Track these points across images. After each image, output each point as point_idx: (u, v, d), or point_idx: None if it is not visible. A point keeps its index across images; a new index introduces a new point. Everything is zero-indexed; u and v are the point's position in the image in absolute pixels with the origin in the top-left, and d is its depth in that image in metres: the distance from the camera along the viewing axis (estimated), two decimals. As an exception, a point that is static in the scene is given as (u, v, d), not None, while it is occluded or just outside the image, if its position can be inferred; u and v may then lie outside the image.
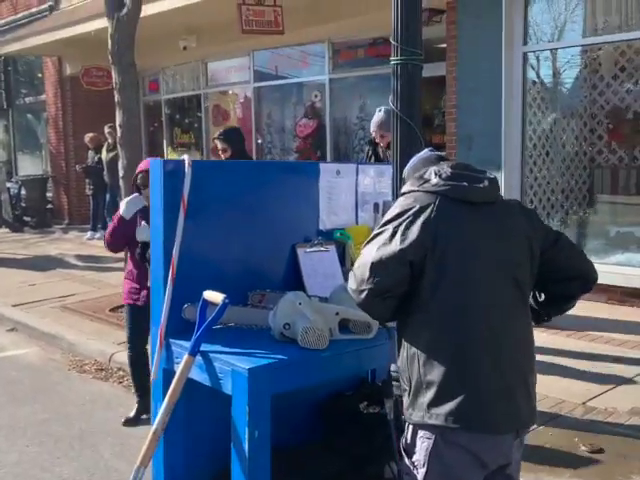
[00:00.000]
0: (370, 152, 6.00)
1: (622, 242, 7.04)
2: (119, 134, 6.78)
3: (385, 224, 2.13)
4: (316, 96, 10.13)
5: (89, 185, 11.57)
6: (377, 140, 5.69)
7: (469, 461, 2.06)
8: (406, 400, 2.15)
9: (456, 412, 2.01)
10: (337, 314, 2.64)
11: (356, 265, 2.14)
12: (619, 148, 7.78)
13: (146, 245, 3.78)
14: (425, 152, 2.38)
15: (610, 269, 6.34)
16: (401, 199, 2.20)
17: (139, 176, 4.09)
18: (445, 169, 2.15)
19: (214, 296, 2.52)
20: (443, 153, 2.43)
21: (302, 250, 3.07)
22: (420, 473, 2.12)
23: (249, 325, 2.76)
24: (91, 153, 11.52)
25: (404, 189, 2.24)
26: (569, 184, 7.87)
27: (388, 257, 2.05)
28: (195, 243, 2.74)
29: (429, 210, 2.06)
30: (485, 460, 2.08)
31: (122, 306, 6.99)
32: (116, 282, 8.14)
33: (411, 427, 2.15)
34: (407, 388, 2.14)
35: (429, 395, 2.05)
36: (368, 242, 2.14)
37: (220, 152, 5.42)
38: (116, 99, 6.65)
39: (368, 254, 2.09)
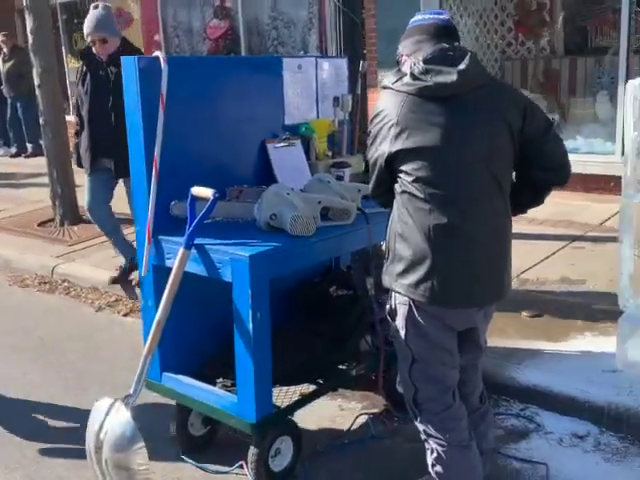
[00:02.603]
0: (84, 69, 4.59)
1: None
2: (30, 40, 6.40)
3: (371, 122, 2.31)
4: (225, -5, 9.81)
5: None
6: (96, 49, 4.42)
7: (439, 325, 2.31)
8: (385, 267, 2.39)
9: (416, 285, 2.23)
10: (319, 203, 2.78)
11: None
12: (527, 40, 8.10)
13: None
14: (426, 18, 2.29)
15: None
16: (381, 97, 2.30)
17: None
18: (419, 65, 2.19)
19: (203, 191, 2.60)
20: (442, 19, 2.28)
21: (271, 145, 3.16)
22: (402, 334, 2.37)
23: (234, 219, 2.86)
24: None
25: (385, 81, 2.30)
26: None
27: (371, 163, 2.33)
28: (172, 141, 2.77)
29: (397, 112, 2.17)
30: (452, 325, 2.33)
31: (51, 220, 6.89)
32: (35, 197, 7.92)
33: (393, 295, 2.38)
34: (387, 257, 2.38)
35: (398, 267, 2.28)
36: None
37: None
38: (25, 3, 6.25)
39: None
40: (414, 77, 2.19)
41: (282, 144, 3.17)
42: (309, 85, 3.34)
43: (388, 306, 2.45)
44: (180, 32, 10.65)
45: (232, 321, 2.60)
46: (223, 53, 9.86)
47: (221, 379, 2.95)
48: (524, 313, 4.03)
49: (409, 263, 2.25)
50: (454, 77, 2.15)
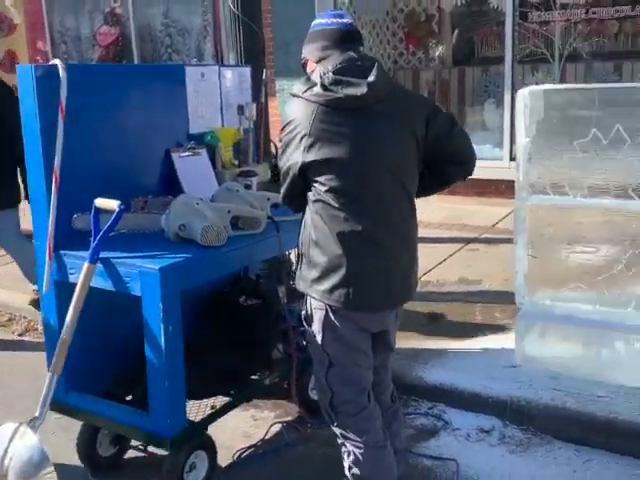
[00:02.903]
0: None
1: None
2: None
3: (282, 130, 2.29)
4: (116, 1, 9.55)
5: None
6: None
7: (354, 328, 2.35)
8: (298, 273, 2.41)
9: (330, 291, 2.26)
10: (229, 212, 2.76)
11: None
12: (418, 50, 8.39)
13: None
14: (327, 20, 2.31)
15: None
16: (291, 105, 2.29)
17: None
18: (328, 75, 2.20)
19: (107, 203, 2.52)
20: (348, 20, 2.33)
21: (176, 155, 3.10)
22: (319, 339, 2.39)
23: (140, 230, 2.79)
24: None
25: (295, 89, 2.30)
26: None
27: (284, 171, 2.32)
28: (72, 151, 2.67)
29: (309, 123, 2.18)
30: (367, 327, 2.38)
31: None
32: None
33: (308, 300, 2.39)
34: (300, 262, 2.39)
35: (313, 273, 2.31)
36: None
37: None
38: None
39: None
40: (325, 88, 2.20)
41: (187, 153, 3.13)
42: (213, 93, 3.31)
43: (303, 312, 2.46)
44: (68, 39, 10.28)
45: (140, 335, 2.54)
46: (114, 60, 9.59)
47: (130, 396, 2.87)
48: (426, 314, 4.16)
49: (324, 270, 2.27)
50: (364, 89, 2.18)
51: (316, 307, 2.36)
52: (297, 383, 3.13)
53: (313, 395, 3.17)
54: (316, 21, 2.37)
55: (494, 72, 7.53)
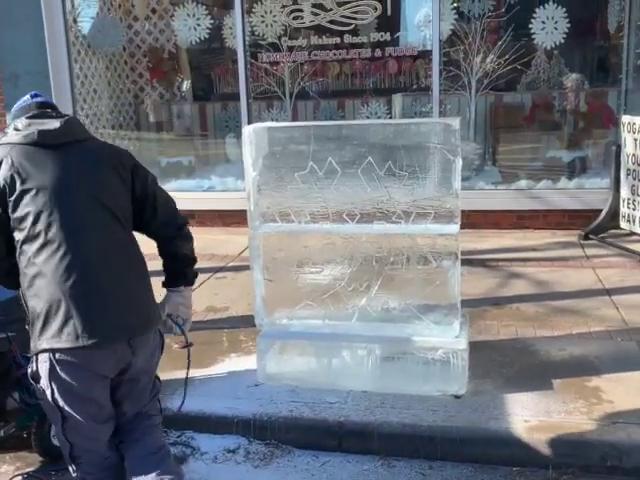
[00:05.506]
0: None
1: (174, 171, 7.82)
2: None
3: None
4: None
5: None
6: None
7: (84, 375, 2.31)
8: (31, 338, 2.34)
9: (58, 335, 2.24)
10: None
11: None
12: (159, 85, 8.50)
13: None
14: (26, 99, 2.48)
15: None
16: None
17: None
18: (22, 120, 2.36)
19: None
20: (43, 98, 2.52)
21: None
22: (48, 394, 2.32)
23: None
24: None
25: None
26: (118, 120, 8.32)
27: None
28: None
29: (4, 163, 2.27)
30: (100, 371, 2.34)
31: None
32: None
33: (34, 358, 2.34)
34: (29, 324, 2.35)
35: (39, 324, 2.28)
36: None
37: None
38: None
39: None
40: (17, 131, 2.32)
41: None
42: None
43: (30, 369, 2.37)
44: None
45: None
46: None
47: None
48: (175, 345, 4.22)
49: (46, 316, 2.25)
50: (57, 124, 2.34)
51: (41, 361, 2.30)
52: (37, 431, 3.02)
53: (55, 442, 3.06)
54: (14, 107, 2.49)
55: (232, 108, 7.88)
